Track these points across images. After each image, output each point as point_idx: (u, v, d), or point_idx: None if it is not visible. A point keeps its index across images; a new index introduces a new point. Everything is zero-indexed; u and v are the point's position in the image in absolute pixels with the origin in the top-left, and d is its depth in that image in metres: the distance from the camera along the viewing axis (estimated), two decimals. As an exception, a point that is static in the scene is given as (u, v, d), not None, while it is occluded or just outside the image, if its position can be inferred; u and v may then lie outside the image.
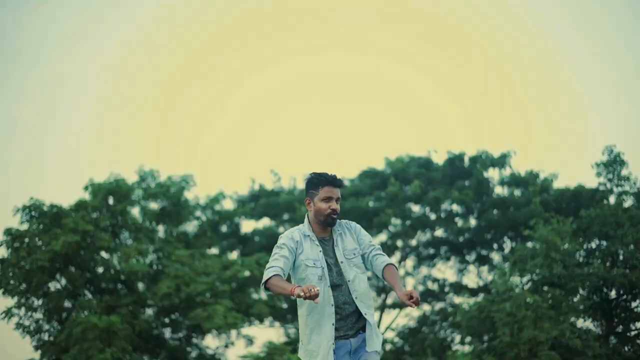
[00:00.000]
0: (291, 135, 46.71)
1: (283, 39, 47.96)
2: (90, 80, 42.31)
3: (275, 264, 5.25)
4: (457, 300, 27.85)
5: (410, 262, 28.65)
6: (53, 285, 19.96)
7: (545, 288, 19.58)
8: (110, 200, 20.71)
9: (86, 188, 20.65)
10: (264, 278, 5.22)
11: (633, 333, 20.44)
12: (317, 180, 5.46)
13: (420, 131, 45.65)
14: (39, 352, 19.50)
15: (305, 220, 5.58)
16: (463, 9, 45.99)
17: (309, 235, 5.47)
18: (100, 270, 20.49)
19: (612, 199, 21.50)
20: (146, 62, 45.97)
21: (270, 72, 47.56)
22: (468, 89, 47.14)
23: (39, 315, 19.69)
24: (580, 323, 20.09)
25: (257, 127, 47.12)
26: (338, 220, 5.58)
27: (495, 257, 27.54)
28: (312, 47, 47.03)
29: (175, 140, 46.86)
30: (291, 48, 47.67)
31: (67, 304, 20.02)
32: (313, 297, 4.78)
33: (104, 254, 20.56)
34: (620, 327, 20.47)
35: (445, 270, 28.61)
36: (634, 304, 20.39)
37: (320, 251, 5.41)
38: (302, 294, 4.80)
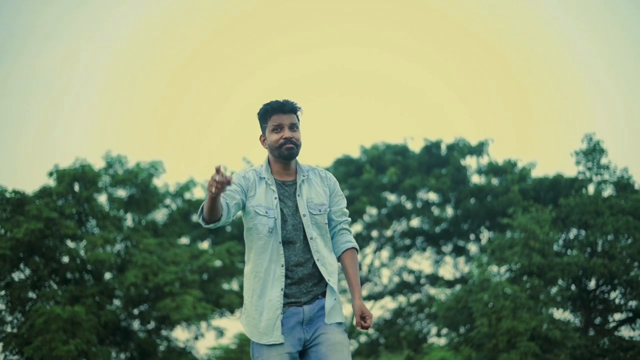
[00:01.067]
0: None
1: (272, 38, 47.53)
2: (83, 75, 41.73)
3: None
4: (433, 292, 27.47)
5: (385, 253, 28.45)
6: (16, 275, 19.30)
7: (524, 278, 19.26)
8: (76, 187, 20.05)
9: (50, 174, 19.99)
10: (200, 210, 4.36)
11: (612, 325, 20.14)
12: (264, 111, 4.61)
13: (396, 119, 45.35)
14: (1, 344, 18.82)
15: (265, 160, 4.69)
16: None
17: (264, 178, 4.59)
18: (65, 259, 19.83)
19: (591, 188, 21.24)
20: (145, 55, 45.35)
21: (258, 67, 47.20)
22: (445, 76, 46.86)
23: (1, 306, 19.02)
24: (559, 314, 19.81)
25: (232, 115, 46.64)
26: (310, 166, 4.75)
27: (472, 247, 27.31)
28: (294, 46, 46.63)
29: (145, 128, 46.30)
30: (279, 47, 47.22)
31: (31, 294, 19.35)
32: (218, 183, 3.95)
33: (69, 243, 19.93)
34: (599, 318, 20.15)
35: (421, 262, 28.49)
36: (612, 295, 20.10)
37: (275, 198, 4.53)
38: (212, 189, 3.98)
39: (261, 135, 4.67)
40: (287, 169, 4.62)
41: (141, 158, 24.56)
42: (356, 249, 4.71)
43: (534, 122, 45.47)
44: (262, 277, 4.49)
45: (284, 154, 4.54)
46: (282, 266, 4.46)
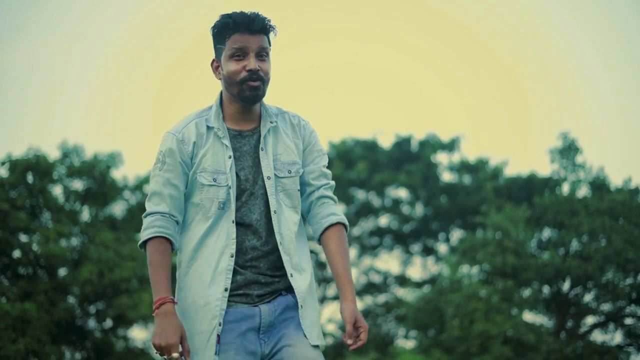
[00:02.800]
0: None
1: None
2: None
3: (156, 210, 3.13)
4: (401, 292, 27.56)
5: (352, 252, 28.07)
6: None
7: (497, 279, 18.97)
8: (29, 178, 19.29)
9: (2, 163, 19.24)
10: (142, 238, 3.13)
11: (584, 330, 19.90)
12: (223, 26, 3.16)
13: (366, 112, 45.19)
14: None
15: (216, 99, 3.28)
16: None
17: (214, 128, 3.20)
18: (17, 253, 19.10)
19: (565, 187, 21.00)
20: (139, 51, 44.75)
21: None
22: (417, 69, 46.76)
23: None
24: (531, 317, 19.71)
25: (191, 104, 46.03)
26: (279, 108, 3.36)
27: (442, 248, 27.22)
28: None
29: (105, 118, 45.62)
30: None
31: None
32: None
33: (21, 236, 19.19)
34: (571, 321, 19.93)
35: (389, 261, 28.51)
36: (586, 298, 19.83)
37: (229, 156, 3.15)
38: (157, 344, 2.90)
39: (214, 60, 3.25)
40: (248, 114, 3.24)
41: (99, 149, 23.94)
42: (344, 225, 3.33)
43: (507, 119, 45.51)
44: (202, 273, 3.13)
45: (246, 95, 3.14)
46: (232, 256, 3.12)
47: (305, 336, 3.11)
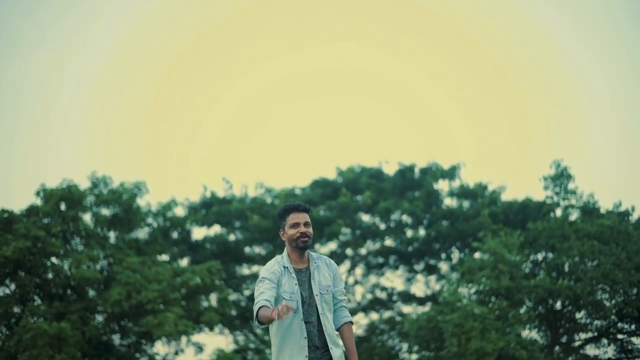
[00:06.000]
0: (242, 143, 46.49)
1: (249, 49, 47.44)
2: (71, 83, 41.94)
3: (262, 297, 5.52)
4: (405, 309, 28.17)
5: (359, 271, 28.93)
6: (2, 290, 19.70)
7: (492, 299, 19.75)
8: (62, 206, 20.52)
9: (38, 193, 20.46)
10: (255, 314, 5.47)
11: (577, 343, 20.71)
12: (283, 211, 5.86)
13: (372, 141, 45.66)
14: (-14, 357, 19.21)
15: (284, 251, 5.91)
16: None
17: (287, 267, 5.77)
18: (50, 276, 20.23)
19: (558, 212, 21.79)
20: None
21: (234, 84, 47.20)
22: (418, 100, 47.19)
23: (-12, 320, 19.43)
24: (526, 334, 20.24)
25: (208, 134, 46.82)
26: (319, 254, 5.96)
27: (443, 266, 27.83)
28: (265, 55, 46.76)
29: (129, 147, 46.44)
30: (257, 55, 47.12)
31: (16, 309, 19.77)
32: (288, 311, 5.14)
33: (54, 260, 20.33)
34: (565, 337, 20.71)
35: (394, 279, 28.84)
36: (578, 315, 20.54)
37: (295, 284, 5.73)
38: (276, 317, 5.12)
39: (280, 230, 5.88)
40: (302, 258, 5.84)
41: (125, 177, 24.96)
42: (352, 322, 5.97)
43: (507, 146, 45.89)
44: (290, 349, 5.64)
45: (300, 246, 5.77)
46: (305, 339, 5.64)
47: None
